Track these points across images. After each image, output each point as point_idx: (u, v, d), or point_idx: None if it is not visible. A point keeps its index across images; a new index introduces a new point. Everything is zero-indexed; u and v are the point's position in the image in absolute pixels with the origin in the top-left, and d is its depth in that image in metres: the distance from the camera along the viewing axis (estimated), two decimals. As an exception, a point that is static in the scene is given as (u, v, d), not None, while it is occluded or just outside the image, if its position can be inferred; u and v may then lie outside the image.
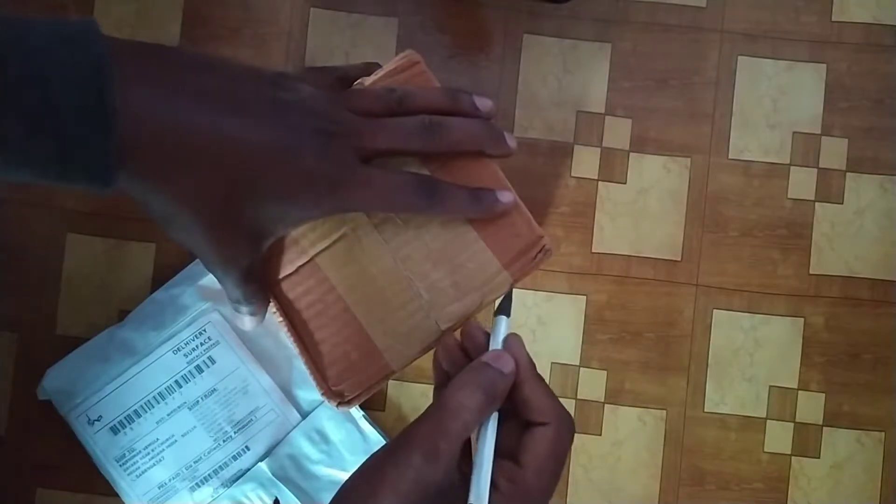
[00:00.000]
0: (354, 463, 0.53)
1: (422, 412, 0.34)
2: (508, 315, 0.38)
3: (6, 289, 0.55)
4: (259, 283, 0.39)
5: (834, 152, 0.56)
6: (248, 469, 0.53)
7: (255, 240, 0.36)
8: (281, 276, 0.41)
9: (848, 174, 0.56)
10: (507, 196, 0.39)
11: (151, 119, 0.30)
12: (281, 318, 0.40)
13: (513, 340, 0.36)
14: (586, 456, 0.55)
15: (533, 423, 0.35)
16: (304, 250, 0.40)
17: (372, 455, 0.33)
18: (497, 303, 0.40)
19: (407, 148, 0.38)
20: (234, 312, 0.40)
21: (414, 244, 0.40)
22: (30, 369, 0.54)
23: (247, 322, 0.40)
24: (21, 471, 0.55)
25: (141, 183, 0.31)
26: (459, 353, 0.38)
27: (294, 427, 0.53)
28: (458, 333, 0.39)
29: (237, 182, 0.33)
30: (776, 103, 0.56)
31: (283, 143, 0.33)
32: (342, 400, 0.40)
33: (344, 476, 0.53)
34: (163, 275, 0.54)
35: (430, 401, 0.54)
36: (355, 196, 0.36)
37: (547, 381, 0.55)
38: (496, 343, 0.37)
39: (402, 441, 0.32)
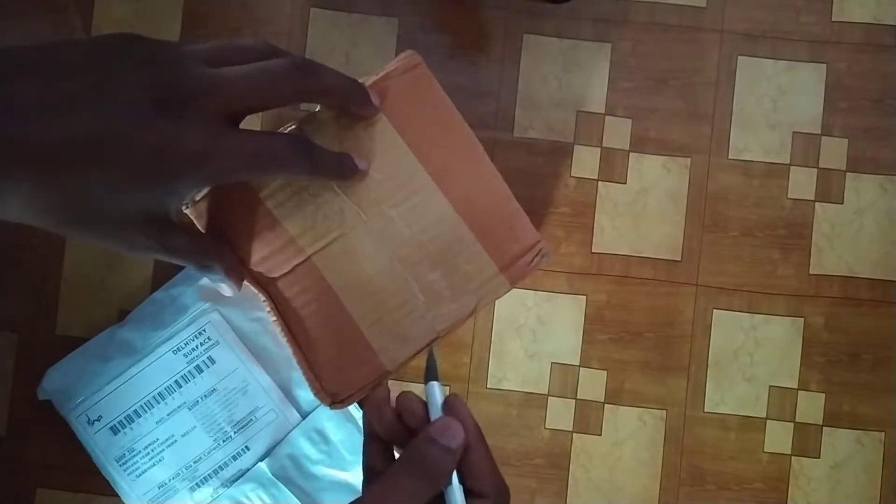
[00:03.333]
0: (354, 463, 0.53)
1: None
2: (438, 379, 0.36)
3: (6, 289, 0.55)
4: (202, 251, 0.36)
5: (834, 152, 0.56)
6: (248, 469, 0.52)
7: (142, 226, 0.32)
8: (276, 275, 0.41)
9: (848, 174, 0.56)
10: (363, 163, 0.38)
11: None
12: (275, 318, 0.40)
13: (456, 403, 0.34)
14: (586, 456, 0.55)
15: (472, 490, 0.33)
16: (301, 250, 0.40)
17: None
18: (425, 371, 0.38)
19: (277, 92, 0.33)
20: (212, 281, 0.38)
21: (411, 245, 0.40)
22: (30, 369, 0.54)
23: (224, 289, 0.38)
24: (21, 471, 0.55)
25: None
26: (397, 423, 0.36)
27: (294, 427, 0.53)
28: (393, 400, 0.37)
29: (75, 188, 0.29)
30: (776, 103, 0.56)
31: (113, 129, 0.29)
32: (335, 400, 0.40)
33: (344, 476, 0.53)
34: (163, 275, 0.54)
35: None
36: (226, 165, 0.32)
37: (547, 381, 0.55)
38: (436, 411, 0.35)
39: None
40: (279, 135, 0.35)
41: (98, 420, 0.52)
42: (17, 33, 0.56)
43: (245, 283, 0.41)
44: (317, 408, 0.53)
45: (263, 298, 0.41)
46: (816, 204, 0.56)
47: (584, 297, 0.55)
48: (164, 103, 0.30)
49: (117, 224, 0.32)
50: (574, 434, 0.55)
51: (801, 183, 0.56)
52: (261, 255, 0.41)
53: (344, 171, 0.38)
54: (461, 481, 0.33)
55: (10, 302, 0.55)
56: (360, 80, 0.41)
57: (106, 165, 0.30)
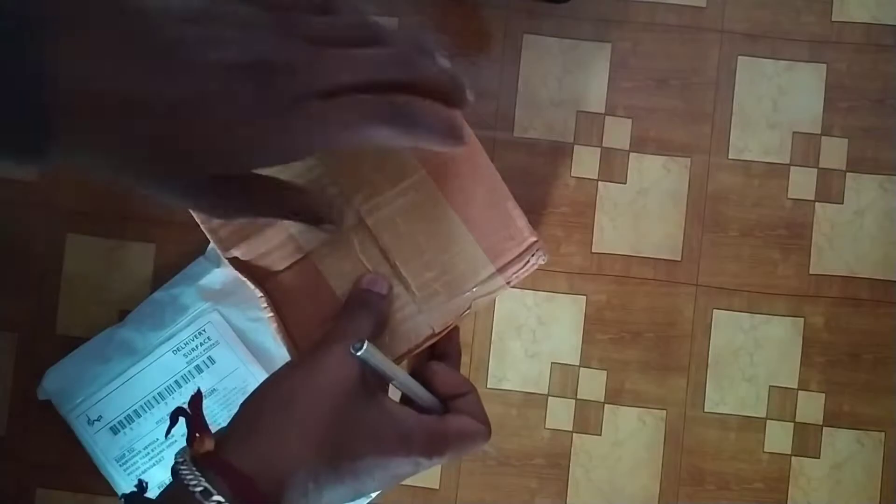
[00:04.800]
0: None
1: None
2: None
3: (6, 289, 0.55)
4: (250, 204, 0.35)
5: (834, 152, 0.56)
6: None
7: (214, 188, 0.32)
8: (274, 270, 0.41)
9: (848, 174, 0.56)
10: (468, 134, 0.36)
11: (61, 82, 0.27)
12: (271, 313, 0.40)
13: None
14: (586, 456, 0.55)
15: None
16: (300, 247, 0.40)
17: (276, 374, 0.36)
18: None
19: (376, 78, 0.32)
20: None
21: (407, 243, 0.40)
22: (30, 369, 0.54)
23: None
24: (21, 471, 0.55)
25: (63, 153, 0.29)
26: None
27: None
28: None
29: (162, 142, 0.29)
30: (776, 103, 0.56)
31: (201, 92, 0.29)
32: None
33: None
34: (163, 275, 0.54)
35: (430, 401, 0.55)
36: (312, 138, 0.31)
37: (547, 381, 0.55)
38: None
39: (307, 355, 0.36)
40: (373, 100, 0.32)
41: (98, 420, 0.52)
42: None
43: (243, 279, 0.41)
44: (316, 408, 0.53)
45: (260, 294, 0.41)
46: (816, 204, 0.56)
47: (584, 297, 0.55)
48: (253, 73, 0.30)
49: (191, 184, 0.32)
50: (574, 434, 0.55)
51: (801, 183, 0.56)
52: (259, 250, 0.41)
53: (449, 141, 0.34)
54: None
55: (10, 302, 0.55)
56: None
57: (193, 129, 0.29)
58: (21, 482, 0.55)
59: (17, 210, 0.55)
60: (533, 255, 0.41)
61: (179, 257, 0.54)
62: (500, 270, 0.40)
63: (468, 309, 0.40)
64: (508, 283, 0.41)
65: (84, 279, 0.55)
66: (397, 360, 0.41)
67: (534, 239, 0.41)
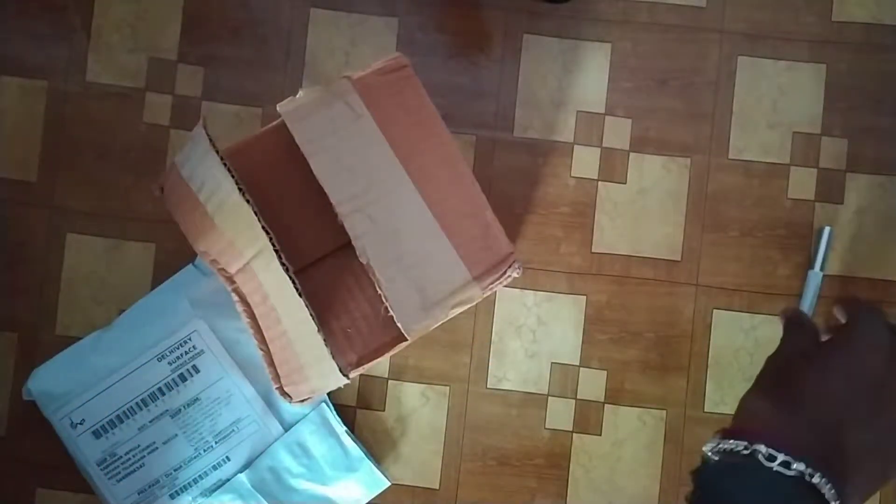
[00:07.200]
0: (335, 478, 0.52)
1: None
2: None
3: (6, 289, 0.55)
4: None
5: (834, 152, 0.56)
6: (228, 480, 0.52)
7: None
8: (233, 271, 0.39)
9: (847, 174, 0.56)
10: None
11: None
12: (241, 308, 0.40)
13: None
14: (586, 456, 0.55)
15: None
16: (240, 253, 0.39)
17: None
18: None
19: None
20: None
21: (382, 246, 0.39)
22: (30, 369, 0.54)
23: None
24: (21, 471, 0.55)
25: None
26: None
27: (276, 439, 0.53)
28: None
29: None
30: (776, 103, 0.56)
31: None
32: (290, 400, 0.40)
33: (324, 491, 0.52)
34: (163, 275, 0.54)
35: (429, 400, 0.55)
36: None
37: (547, 381, 0.55)
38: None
39: None
40: None
41: (81, 423, 0.52)
42: (17, 33, 0.56)
43: (214, 271, 0.40)
44: (300, 420, 0.53)
45: (230, 288, 0.40)
46: (816, 204, 0.56)
47: (584, 297, 0.55)
48: None
49: None
50: (574, 434, 0.55)
51: (801, 183, 0.56)
52: (216, 250, 0.40)
53: None
54: None
55: (10, 302, 0.55)
56: (345, 74, 0.41)
57: None
58: (21, 482, 0.55)
59: (17, 210, 0.55)
60: (510, 267, 0.40)
61: (179, 258, 0.54)
62: (477, 279, 0.40)
63: (445, 318, 0.39)
64: (484, 291, 0.40)
65: (84, 279, 0.55)
66: (361, 362, 0.40)
67: (510, 249, 0.41)
